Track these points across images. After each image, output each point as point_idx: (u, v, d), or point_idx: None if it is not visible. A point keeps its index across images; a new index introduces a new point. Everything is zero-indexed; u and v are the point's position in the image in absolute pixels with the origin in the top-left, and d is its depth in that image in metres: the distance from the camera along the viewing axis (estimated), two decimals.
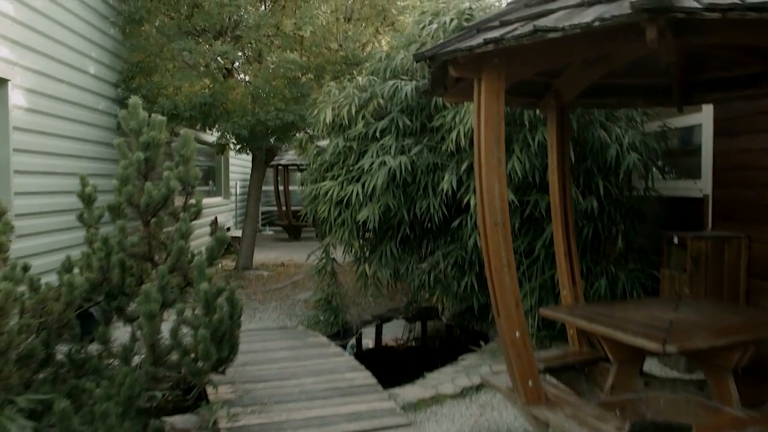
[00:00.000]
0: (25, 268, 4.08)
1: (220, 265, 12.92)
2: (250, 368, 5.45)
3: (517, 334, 3.43)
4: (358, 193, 6.78)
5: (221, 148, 13.20)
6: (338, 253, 7.83)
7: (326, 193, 7.06)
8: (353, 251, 7.45)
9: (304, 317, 8.24)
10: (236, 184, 17.52)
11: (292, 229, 19.40)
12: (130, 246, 4.24)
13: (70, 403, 3.97)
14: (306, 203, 7.65)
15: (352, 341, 8.16)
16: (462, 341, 8.02)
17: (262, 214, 22.58)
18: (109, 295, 4.48)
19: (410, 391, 5.42)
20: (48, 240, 7.08)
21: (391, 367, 7.41)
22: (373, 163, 6.73)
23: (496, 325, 3.57)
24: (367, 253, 7.55)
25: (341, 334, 7.54)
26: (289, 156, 18.75)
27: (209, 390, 4.69)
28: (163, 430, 4.26)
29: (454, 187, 6.49)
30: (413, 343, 8.23)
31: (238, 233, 13.73)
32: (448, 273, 7.11)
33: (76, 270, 4.46)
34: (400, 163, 6.58)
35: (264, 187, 22.82)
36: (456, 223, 6.66)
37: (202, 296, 3.87)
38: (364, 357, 7.59)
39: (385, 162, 6.59)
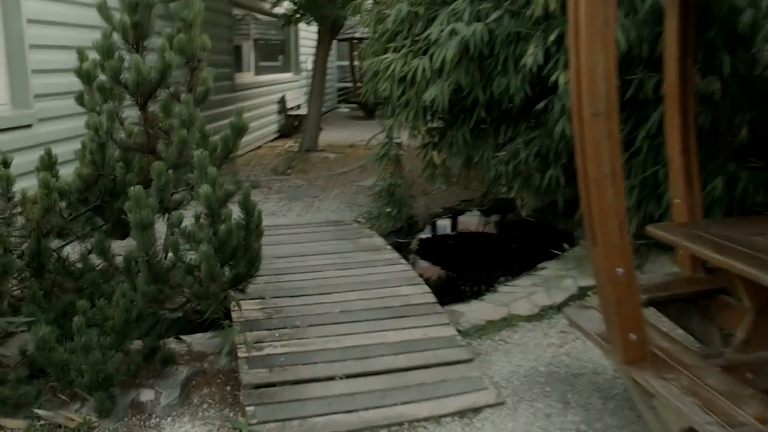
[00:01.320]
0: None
1: (286, 145, 12.19)
2: (286, 278, 4.67)
3: (620, 271, 2.44)
4: (424, 69, 5.68)
5: (287, 20, 12.09)
6: (404, 136, 6.84)
7: (388, 67, 5.99)
8: (419, 136, 6.44)
9: (365, 210, 7.41)
10: (307, 59, 16.46)
11: (366, 106, 18.37)
12: (129, 136, 3.39)
13: (57, 326, 3.31)
14: (365, 80, 6.61)
15: (417, 242, 7.31)
16: (543, 240, 7.05)
17: (338, 90, 21.60)
18: (111, 195, 3.71)
19: (477, 310, 4.55)
20: (73, 124, 6.37)
21: (460, 269, 6.54)
22: (442, 31, 5.57)
23: (584, 229, 2.57)
24: (436, 139, 6.53)
25: (405, 230, 6.69)
26: (362, 29, 17.43)
27: (232, 307, 3.94)
28: (173, 358, 3.57)
29: (540, 62, 5.32)
30: (487, 240, 7.31)
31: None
32: (530, 164, 6.04)
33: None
34: (474, 31, 5.41)
35: (339, 62, 21.73)
36: (541, 105, 5.52)
37: (203, 202, 3.02)
38: (429, 256, 6.75)
39: (456, 31, 5.43)
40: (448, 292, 5.34)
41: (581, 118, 2.41)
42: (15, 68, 5.36)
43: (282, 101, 14.41)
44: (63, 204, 3.60)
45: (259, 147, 12.64)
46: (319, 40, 10.92)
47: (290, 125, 14.53)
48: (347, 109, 21.02)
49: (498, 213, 7.96)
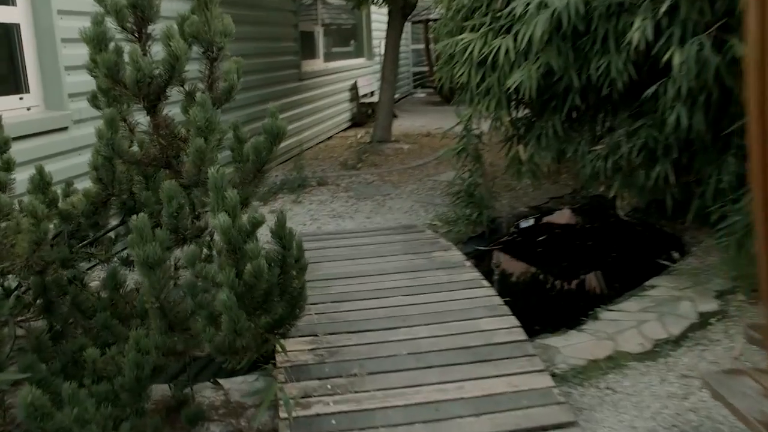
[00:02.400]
0: None
1: (358, 136, 11.49)
2: (344, 307, 3.92)
3: None
4: (508, 50, 4.84)
5: (357, 2, 11.36)
6: (483, 126, 5.99)
7: (465, 49, 5.16)
8: (502, 128, 5.58)
9: (441, 211, 6.61)
10: (380, 43, 15.69)
11: (443, 91, 17.46)
12: (140, 147, 2.71)
13: (65, 376, 2.70)
14: (440, 64, 5.79)
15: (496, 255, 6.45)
16: (646, 246, 6.08)
17: (414, 75, 20.76)
18: (131, 214, 3.06)
19: (576, 345, 3.71)
20: None
21: (551, 284, 5.68)
22: (528, 5, 4.71)
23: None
24: (522, 131, 5.66)
25: (486, 235, 5.86)
26: (437, 10, 16.52)
27: (277, 348, 3.23)
28: (202, 414, 2.91)
29: (649, 39, 4.40)
30: (581, 246, 6.38)
31: None
32: (633, 159, 5.11)
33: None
34: (568, 3, 4.53)
35: (415, 46, 20.86)
36: (650, 91, 4.58)
37: (221, 236, 2.30)
38: (514, 268, 5.90)
39: (546, 3, 4.55)
40: (537, 317, 4.51)
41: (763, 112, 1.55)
42: (46, 65, 4.81)
43: (354, 88, 13.73)
44: (70, 228, 2.98)
45: (329, 138, 12.00)
46: (390, 23, 10.13)
47: (363, 113, 13.84)
48: (423, 95, 20.16)
49: (591, 213, 7.01)
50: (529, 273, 5.77)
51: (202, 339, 2.57)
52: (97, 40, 2.38)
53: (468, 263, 4.55)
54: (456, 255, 4.73)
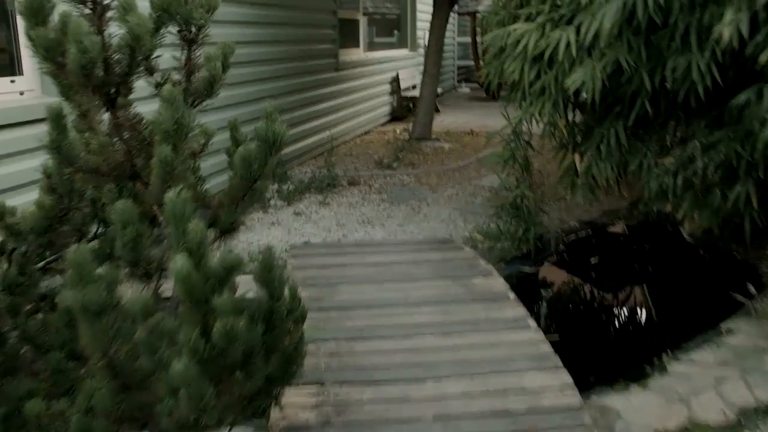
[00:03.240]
0: None
1: (397, 131, 10.84)
2: (360, 347, 3.28)
3: None
4: (569, 44, 4.15)
5: None
6: (532, 127, 5.25)
7: (517, 42, 4.47)
8: (555, 134, 4.87)
9: (482, 222, 5.93)
10: (425, 34, 14.98)
11: (489, 86, 16.67)
12: (92, 152, 2.10)
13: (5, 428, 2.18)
14: (487, 58, 5.10)
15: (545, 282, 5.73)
16: (716, 274, 5.33)
17: (459, 69, 20.02)
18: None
19: (640, 408, 3.03)
20: None
21: (606, 319, 4.97)
22: None
23: None
24: (579, 138, 4.94)
25: (532, 254, 5.16)
26: (487, 1, 15.75)
27: (273, 406, 2.62)
28: None
29: (744, 35, 3.68)
30: (640, 271, 5.63)
31: None
32: (709, 176, 4.39)
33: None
34: None
35: (461, 39, 20.08)
36: (741, 98, 3.86)
37: (179, 285, 1.68)
38: (563, 296, 5.20)
39: None
40: (591, 361, 3.83)
41: None
42: None
43: (395, 81, 13.07)
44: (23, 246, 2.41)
45: (367, 132, 11.38)
46: (435, 12, 9.43)
47: (404, 108, 13.17)
48: (467, 90, 19.39)
49: (651, 231, 6.24)
50: (581, 302, 5.06)
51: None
52: (32, 10, 1.77)
53: (512, 295, 3.86)
54: (498, 283, 4.05)
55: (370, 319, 3.54)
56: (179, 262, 1.67)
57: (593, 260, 5.62)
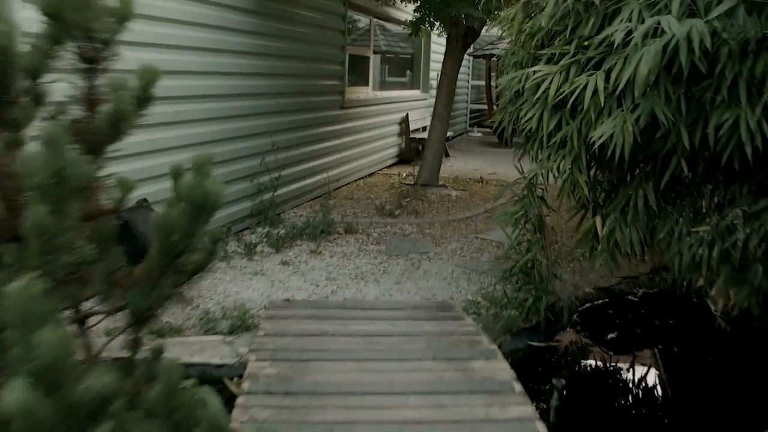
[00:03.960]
0: None
1: (403, 174, 10.29)
2: None
3: None
4: (596, 91, 3.59)
5: (414, 28, 10.24)
6: (548, 180, 4.65)
7: (537, 86, 3.92)
8: (575, 192, 4.28)
9: (488, 283, 5.32)
10: (438, 75, 14.56)
11: (503, 132, 16.18)
12: None
13: None
14: (501, 103, 4.54)
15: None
16: (751, 360, 4.69)
17: (472, 112, 19.58)
18: None
19: None
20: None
21: (627, 408, 4.32)
22: (630, 32, 3.46)
23: None
24: (601, 198, 4.35)
25: (543, 326, 4.54)
26: (503, 45, 15.35)
27: None
28: None
29: None
30: (664, 347, 4.96)
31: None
32: (751, 249, 3.80)
33: None
34: (688, 33, 3.27)
35: (474, 82, 19.69)
36: None
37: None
38: (579, 376, 4.54)
39: (660, 29, 3.30)
40: None
41: None
42: None
43: (404, 122, 12.58)
44: None
45: (372, 174, 10.84)
46: (448, 52, 8.95)
47: (412, 150, 12.66)
48: (479, 134, 18.91)
49: (675, 303, 5.60)
50: (598, 390, 4.39)
51: None
52: None
53: (518, 387, 3.21)
54: (502, 369, 3.40)
55: (345, 412, 2.90)
56: (14, 392, 1.07)
57: (611, 336, 4.96)
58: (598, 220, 4.22)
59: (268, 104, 7.17)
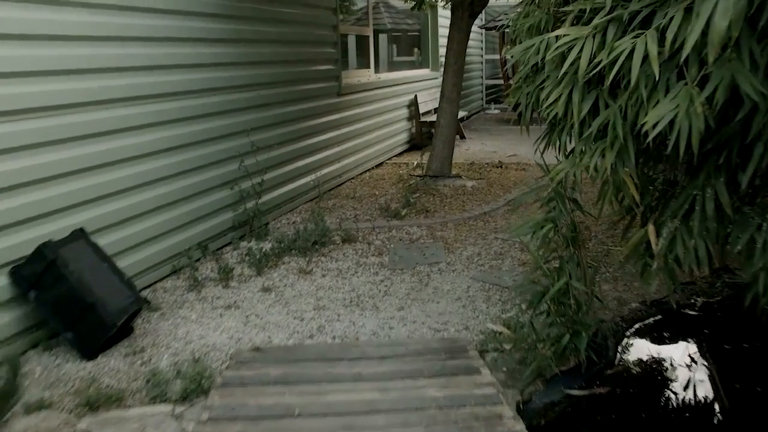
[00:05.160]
0: None
1: (414, 163, 9.26)
2: None
3: None
4: (647, 58, 2.51)
5: (419, 2, 9.15)
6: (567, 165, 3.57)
7: (563, 57, 2.85)
8: (618, 197, 3.21)
9: (510, 304, 4.30)
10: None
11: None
12: None
13: None
14: (516, 80, 3.46)
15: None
16: None
17: (488, 88, 18.42)
18: None
19: None
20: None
21: None
22: None
23: None
24: (654, 202, 3.28)
25: (584, 367, 3.51)
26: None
27: None
28: None
29: None
30: (736, 381, 3.87)
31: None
32: None
33: None
34: None
35: (489, 56, 18.49)
36: None
37: None
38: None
39: None
40: None
41: None
42: None
43: (414, 105, 11.52)
44: None
45: (380, 164, 9.82)
46: (453, 24, 7.85)
47: (424, 134, 11.61)
48: (497, 111, 17.77)
49: (745, 315, 4.49)
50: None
51: None
52: None
53: None
54: None
55: None
56: None
57: (677, 376, 3.87)
58: (651, 229, 3.16)
59: (247, 98, 6.17)
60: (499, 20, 14.56)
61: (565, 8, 2.85)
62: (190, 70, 5.31)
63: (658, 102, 2.54)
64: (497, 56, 17.28)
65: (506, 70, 15.48)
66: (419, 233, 6.19)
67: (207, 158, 5.58)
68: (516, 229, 3.52)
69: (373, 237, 6.08)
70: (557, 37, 2.75)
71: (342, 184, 8.40)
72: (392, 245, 5.83)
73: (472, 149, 11.24)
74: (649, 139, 2.54)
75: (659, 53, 2.51)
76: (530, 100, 3.29)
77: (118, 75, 4.57)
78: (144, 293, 4.80)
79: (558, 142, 3.14)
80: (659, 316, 4.41)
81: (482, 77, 17.89)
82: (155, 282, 5.04)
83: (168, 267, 5.19)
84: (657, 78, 2.50)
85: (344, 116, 8.43)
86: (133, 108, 4.71)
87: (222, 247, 5.85)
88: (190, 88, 5.31)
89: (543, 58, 2.90)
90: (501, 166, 9.31)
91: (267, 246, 5.74)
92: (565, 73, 2.86)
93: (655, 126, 2.50)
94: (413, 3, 9.36)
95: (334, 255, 5.61)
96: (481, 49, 17.60)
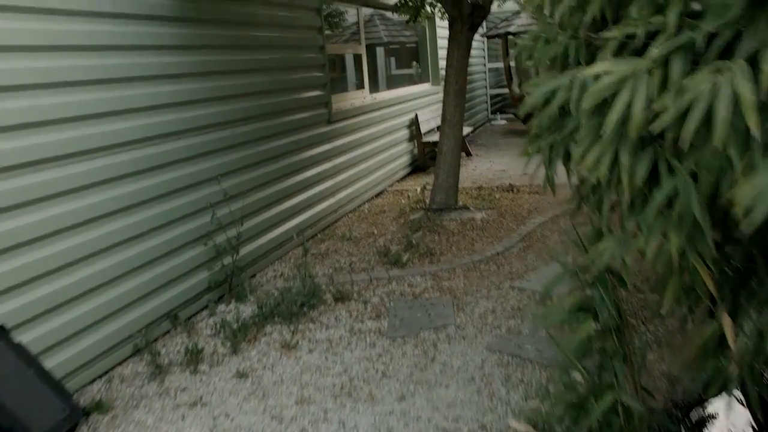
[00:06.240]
0: None
1: (416, 191, 8.44)
2: None
3: None
4: (738, 99, 1.67)
5: (414, 13, 8.36)
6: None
7: (603, 103, 2.02)
8: (689, 284, 2.38)
9: (535, 386, 3.46)
10: None
11: (529, 119, 14.20)
12: None
13: None
14: (533, 129, 2.61)
15: None
16: None
17: (493, 98, 17.59)
18: None
19: None
20: None
21: None
22: None
23: None
24: (730, 286, 2.44)
25: None
26: (521, 21, 13.37)
27: None
28: None
29: None
30: None
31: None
32: None
33: None
34: None
35: (492, 64, 17.65)
36: None
37: None
38: None
39: None
40: None
41: None
42: None
43: (414, 124, 10.71)
44: None
45: (380, 193, 9.01)
46: (452, 38, 7.03)
47: (427, 155, 10.81)
48: (503, 122, 16.93)
49: None
50: None
51: None
52: None
53: None
54: None
55: None
56: None
57: None
58: (727, 322, 2.31)
59: (221, 137, 5.38)
60: (502, 26, 13.76)
61: (604, 35, 2.02)
62: (146, 114, 4.53)
63: (753, 168, 1.71)
64: (501, 64, 16.46)
65: (511, 78, 14.65)
66: (423, 284, 5.35)
67: (172, 213, 4.78)
68: (543, 315, 2.68)
69: (370, 293, 5.25)
70: (596, 77, 1.92)
71: (338, 220, 7.59)
72: (392, 303, 5.00)
73: (479, 169, 10.41)
74: (740, 215, 1.71)
75: (757, 93, 1.68)
76: (554, 153, 2.45)
77: (52, 127, 3.78)
78: (97, 385, 4.00)
79: (598, 216, 2.30)
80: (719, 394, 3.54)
81: (486, 87, 17.07)
82: (113, 367, 4.24)
83: (129, 347, 4.39)
84: (756, 133, 1.67)
85: (336, 146, 7.63)
86: (74, 165, 3.92)
87: (197, 314, 5.05)
88: (147, 134, 4.53)
89: (573, 100, 2.08)
90: (512, 190, 8.46)
91: (247, 311, 4.94)
92: (610, 129, 2.03)
93: (748, 208, 1.67)
94: (405, 16, 8.57)
95: (324, 320, 4.78)
96: (484, 58, 16.79)
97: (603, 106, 2.01)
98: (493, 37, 14.34)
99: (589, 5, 1.99)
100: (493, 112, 17.58)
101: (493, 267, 5.67)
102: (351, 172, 8.02)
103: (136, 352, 4.42)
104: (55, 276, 3.81)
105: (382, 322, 4.68)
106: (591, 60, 2.17)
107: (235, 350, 4.37)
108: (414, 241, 6.30)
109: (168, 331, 4.74)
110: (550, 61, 2.31)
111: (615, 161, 2.03)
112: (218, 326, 4.70)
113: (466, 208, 7.31)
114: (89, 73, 4.06)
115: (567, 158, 2.39)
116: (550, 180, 2.56)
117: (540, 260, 5.73)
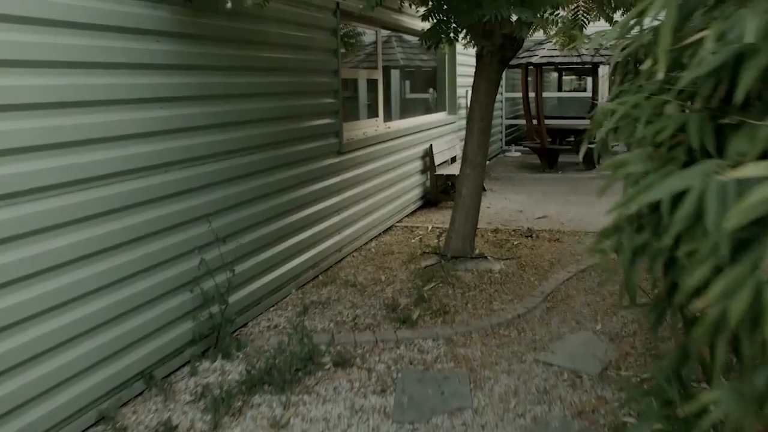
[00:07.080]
0: None
1: (427, 229, 7.83)
2: None
3: None
4: None
5: (435, 42, 7.77)
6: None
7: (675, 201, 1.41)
8: None
9: None
10: (467, 92, 12.06)
11: (547, 154, 13.64)
12: None
13: None
14: (605, 229, 2.00)
15: None
16: None
17: (508, 128, 17.04)
18: None
19: None
20: None
21: None
22: None
23: None
24: None
25: None
26: (544, 51, 12.82)
27: None
28: None
29: None
30: None
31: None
32: None
33: None
34: None
35: (509, 94, 17.09)
36: None
37: None
38: None
39: None
40: None
41: None
42: None
43: (428, 155, 10.12)
44: None
45: (388, 229, 8.40)
46: (479, 71, 6.44)
47: (439, 189, 10.21)
48: (517, 153, 16.36)
49: None
50: None
51: None
52: None
53: None
54: None
55: None
56: None
57: None
58: None
59: (219, 169, 4.79)
60: (523, 56, 13.20)
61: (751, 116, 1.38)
62: (130, 142, 3.93)
63: None
64: (518, 94, 15.89)
65: (530, 110, 14.09)
66: (436, 351, 4.72)
67: (154, 257, 4.17)
68: None
69: (375, 358, 4.62)
70: (742, 181, 1.31)
71: (342, 260, 6.97)
72: (400, 374, 4.37)
73: (494, 207, 9.79)
74: None
75: None
76: (638, 259, 1.84)
77: (9, 158, 3.18)
78: None
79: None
80: None
81: (502, 116, 16.51)
82: None
83: (93, 413, 3.76)
84: None
85: (345, 178, 7.03)
86: (30, 204, 3.31)
87: (176, 370, 4.43)
88: (130, 166, 3.93)
89: (711, 212, 1.47)
90: (531, 236, 7.84)
91: (235, 371, 4.32)
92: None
93: None
94: (427, 43, 8.00)
95: (321, 390, 4.15)
96: (502, 86, 16.23)
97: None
98: (514, 67, 13.78)
99: (746, 73, 1.37)
100: (508, 143, 17.01)
101: (514, 333, 5.03)
102: (359, 207, 7.42)
103: (101, 419, 3.79)
104: (6, 334, 3.20)
105: (388, 398, 4.04)
106: (720, 148, 1.55)
107: (215, 426, 3.73)
108: (426, 295, 5.67)
109: (141, 393, 4.11)
110: (655, 142, 1.69)
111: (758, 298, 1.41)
112: (199, 392, 4.07)
113: (483, 257, 6.68)
114: (61, 93, 3.46)
115: (666, 269, 1.77)
116: (631, 288, 1.94)
117: (565, 326, 5.10)
